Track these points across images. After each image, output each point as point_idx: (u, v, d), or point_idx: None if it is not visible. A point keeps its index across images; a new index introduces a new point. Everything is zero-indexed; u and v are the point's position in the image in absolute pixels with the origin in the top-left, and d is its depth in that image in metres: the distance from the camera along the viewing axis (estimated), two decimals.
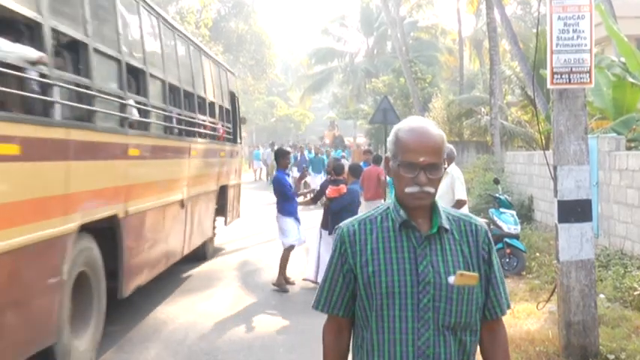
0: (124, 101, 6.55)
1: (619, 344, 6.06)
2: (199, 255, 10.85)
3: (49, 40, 4.90)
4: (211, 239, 11.51)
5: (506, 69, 23.81)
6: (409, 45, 39.24)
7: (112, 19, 6.59)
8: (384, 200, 13.69)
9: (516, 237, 10.47)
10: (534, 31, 19.13)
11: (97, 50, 5.88)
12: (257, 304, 8.66)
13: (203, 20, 34.34)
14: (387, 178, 13.67)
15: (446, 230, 2.22)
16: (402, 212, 2.23)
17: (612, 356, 5.84)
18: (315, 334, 7.27)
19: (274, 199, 9.75)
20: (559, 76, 5.78)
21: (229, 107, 12.43)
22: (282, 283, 9.39)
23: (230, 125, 12.41)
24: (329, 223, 9.15)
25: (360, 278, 2.22)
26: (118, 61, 6.50)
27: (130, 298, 8.73)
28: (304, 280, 9.67)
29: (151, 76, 7.58)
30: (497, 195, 11.16)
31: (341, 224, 2.36)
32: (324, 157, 24.90)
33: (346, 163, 12.85)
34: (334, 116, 49.59)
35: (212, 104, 10.94)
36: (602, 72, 12.29)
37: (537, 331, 6.77)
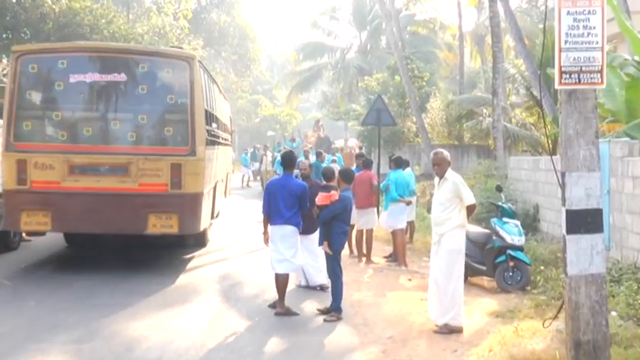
0: (215, 131, 13.63)
1: None
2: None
3: (215, 119, 13.62)
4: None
5: (511, 67, 23.96)
6: (405, 40, 39.34)
7: (217, 103, 14.75)
8: (378, 208, 13.70)
9: (520, 249, 10.51)
10: (541, 26, 19.21)
11: (214, 116, 13.50)
12: (239, 320, 8.63)
13: (182, 11, 34.29)
14: (380, 183, 13.68)
15: None
16: None
17: None
18: (303, 352, 7.27)
19: (260, 207, 9.51)
20: (568, 76, 5.82)
21: (229, 124, 19.30)
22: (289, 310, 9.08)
23: (229, 135, 19.18)
24: (319, 234, 9.11)
25: None
26: (216, 117, 13.91)
27: (100, 310, 8.71)
28: (298, 286, 10.34)
29: (219, 120, 14.75)
30: (499, 203, 11.21)
31: None
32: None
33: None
34: (320, 115, 49.58)
35: (226, 125, 17.48)
36: (614, 71, 12.38)
37: (543, 351, 6.79)
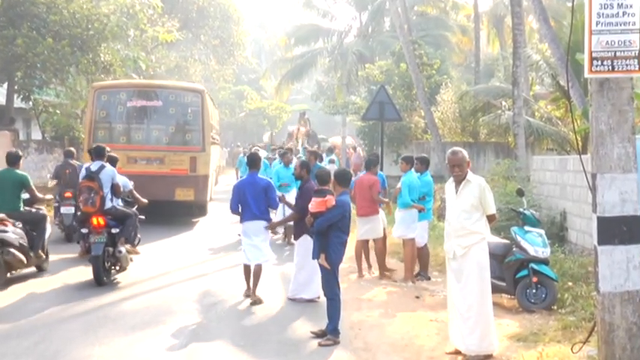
0: (213, 135, 22.96)
1: None
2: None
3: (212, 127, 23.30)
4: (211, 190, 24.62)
5: (534, 53, 23.98)
6: (412, 22, 39.37)
7: (213, 115, 25.02)
8: (379, 215, 13.65)
9: (545, 262, 10.50)
10: (569, 4, 19.14)
11: (212, 125, 22.86)
12: (221, 345, 8.61)
13: None
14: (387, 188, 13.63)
15: None
16: None
17: None
18: None
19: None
20: (599, 63, 5.81)
21: (218, 127, 28.74)
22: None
23: (218, 136, 28.46)
24: (314, 245, 9.08)
25: None
26: (213, 125, 23.44)
27: (58, 334, 8.67)
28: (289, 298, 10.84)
29: (214, 126, 24.17)
30: (521, 210, 11.19)
31: None
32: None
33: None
34: (305, 107, 49.53)
35: (216, 129, 26.13)
36: None
37: None
